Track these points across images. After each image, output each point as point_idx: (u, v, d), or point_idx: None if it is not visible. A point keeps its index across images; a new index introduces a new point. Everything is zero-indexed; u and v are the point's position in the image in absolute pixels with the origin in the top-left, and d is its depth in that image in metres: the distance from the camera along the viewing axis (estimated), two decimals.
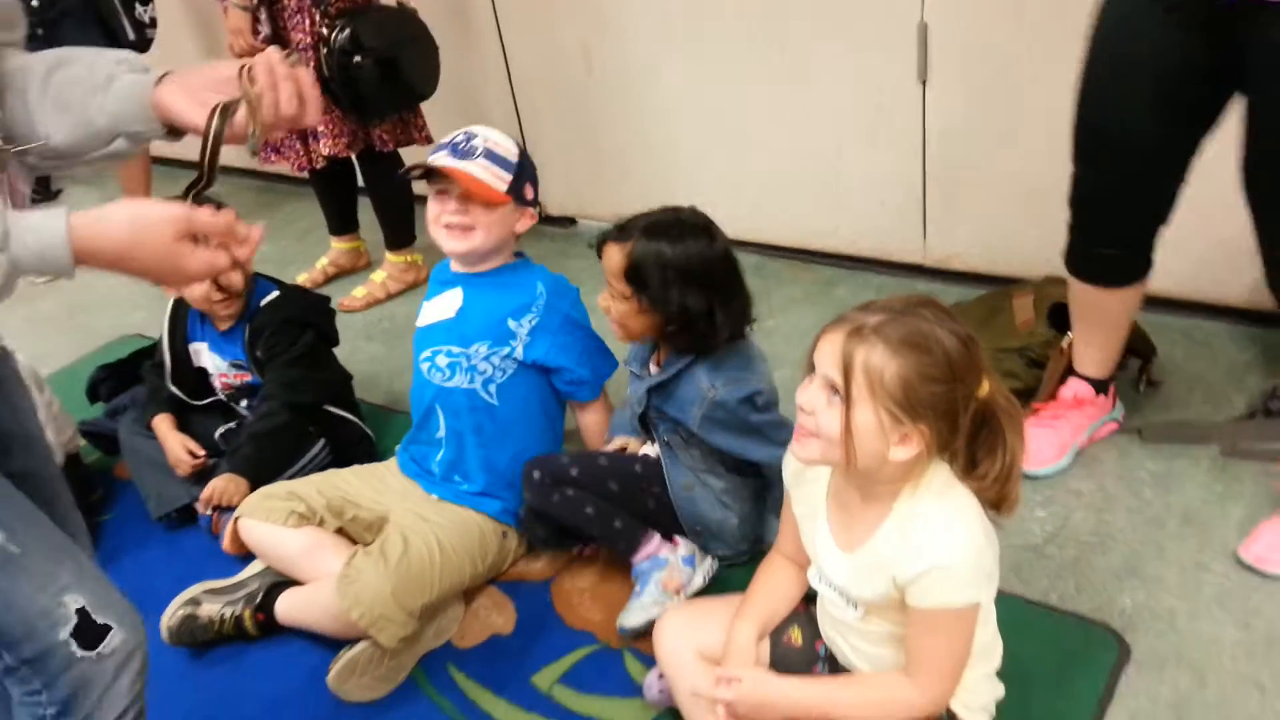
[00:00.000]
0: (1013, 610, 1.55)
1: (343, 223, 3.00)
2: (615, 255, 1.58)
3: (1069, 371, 1.94)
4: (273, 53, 1.05)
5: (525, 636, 1.71)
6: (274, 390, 2.01)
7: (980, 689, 1.36)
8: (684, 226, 1.56)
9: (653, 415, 1.70)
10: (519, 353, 1.75)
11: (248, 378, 2.10)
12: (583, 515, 1.66)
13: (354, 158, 2.71)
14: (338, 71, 2.41)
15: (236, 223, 0.98)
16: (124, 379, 2.29)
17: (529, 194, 1.76)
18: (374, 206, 2.86)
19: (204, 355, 2.13)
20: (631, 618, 1.64)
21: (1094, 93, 1.60)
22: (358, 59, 2.40)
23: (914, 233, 2.53)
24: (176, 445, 2.05)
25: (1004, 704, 1.38)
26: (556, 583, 1.80)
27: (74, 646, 0.99)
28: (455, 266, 1.81)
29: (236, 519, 1.78)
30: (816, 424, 1.21)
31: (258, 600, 1.74)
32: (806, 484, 1.38)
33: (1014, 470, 1.22)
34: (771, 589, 1.44)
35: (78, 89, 1.02)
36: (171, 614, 1.73)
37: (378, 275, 2.91)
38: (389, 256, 2.91)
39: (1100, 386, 1.92)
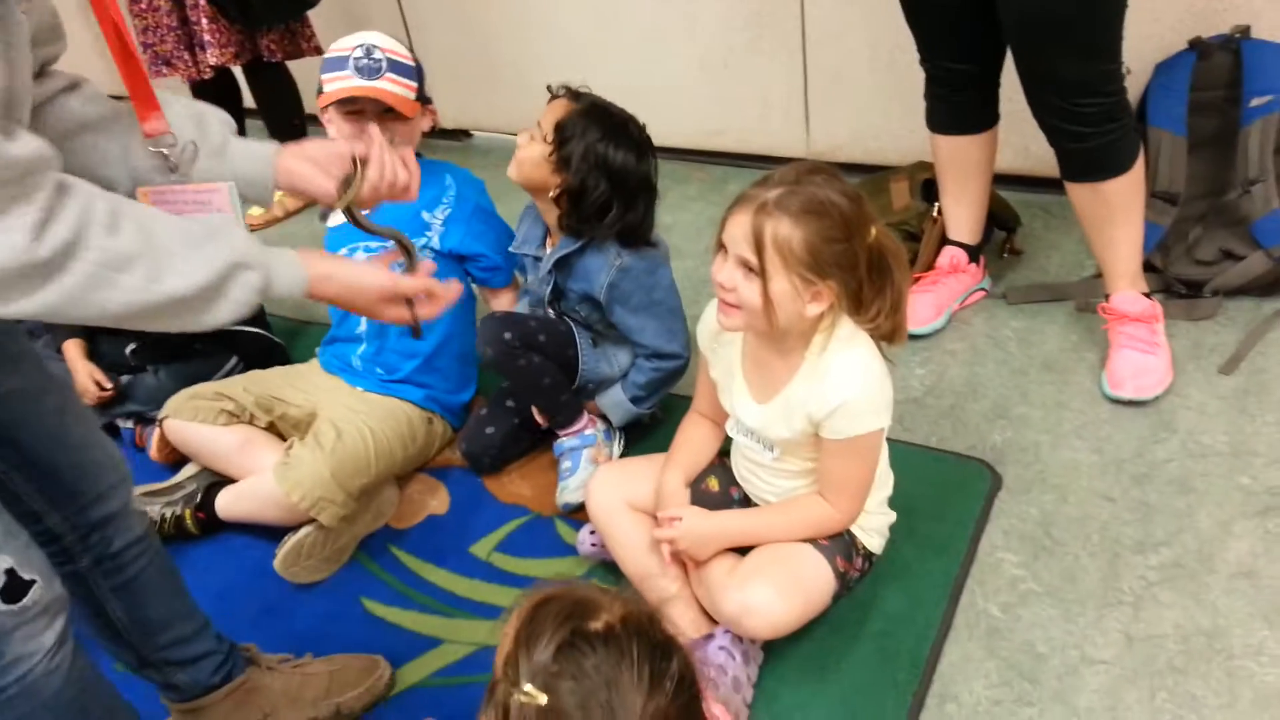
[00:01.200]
0: (898, 453, 1.72)
1: None
2: (560, 109, 1.68)
3: (944, 241, 2.13)
4: (376, 133, 1.22)
5: (460, 514, 1.83)
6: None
7: (876, 514, 1.54)
8: (626, 132, 1.66)
9: (560, 291, 1.78)
10: (435, 242, 1.82)
11: None
12: (540, 384, 1.75)
13: (241, 72, 2.69)
14: None
15: (433, 283, 1.18)
16: None
17: (426, 93, 1.83)
18: (265, 123, 2.84)
19: None
20: (573, 495, 1.76)
21: None
22: None
23: (798, 130, 2.67)
24: (84, 375, 2.05)
25: (894, 527, 1.57)
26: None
27: None
28: None
29: (162, 421, 1.83)
30: (738, 297, 1.34)
31: (197, 499, 1.80)
32: (721, 348, 1.52)
33: (902, 300, 1.38)
34: (694, 442, 1.59)
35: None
36: None
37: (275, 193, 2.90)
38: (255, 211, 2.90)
39: (972, 255, 2.12)
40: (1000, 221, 2.24)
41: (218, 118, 1.16)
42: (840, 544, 1.49)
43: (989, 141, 2.00)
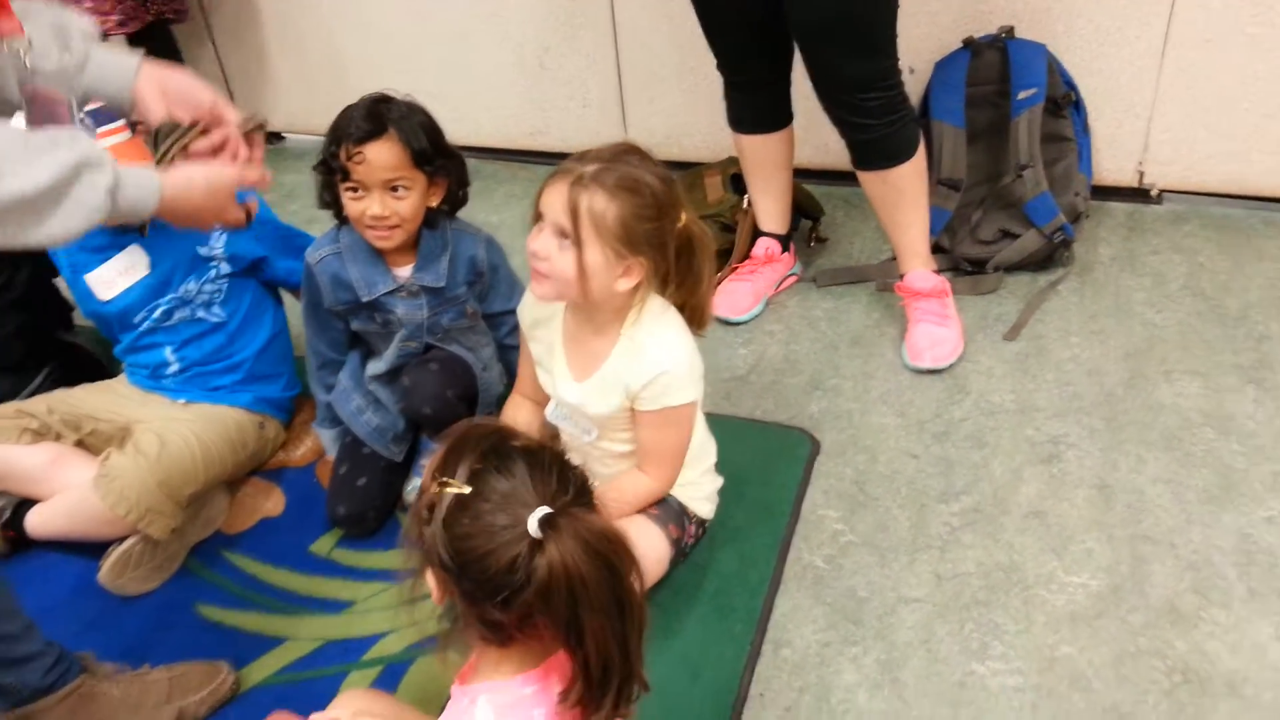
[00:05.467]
0: (726, 427, 1.83)
1: None
2: (393, 151, 1.57)
3: (757, 233, 2.25)
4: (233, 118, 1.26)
5: (296, 515, 1.80)
6: None
7: (703, 482, 1.63)
8: (411, 110, 1.64)
9: (435, 321, 1.74)
10: (225, 268, 1.79)
11: None
12: None
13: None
14: None
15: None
16: None
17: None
18: None
19: None
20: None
21: None
22: None
23: (616, 129, 2.76)
24: None
25: (724, 491, 1.66)
26: (321, 465, 1.89)
27: None
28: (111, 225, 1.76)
29: None
30: (551, 267, 1.39)
31: (5, 517, 1.70)
32: (542, 328, 1.57)
33: (706, 287, 1.47)
34: (517, 422, 1.61)
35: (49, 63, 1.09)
36: None
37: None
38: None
39: (783, 244, 2.25)
40: (805, 212, 2.39)
41: (79, 27, 1.14)
42: (671, 512, 1.56)
43: (786, 138, 2.13)
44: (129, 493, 1.59)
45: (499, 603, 0.93)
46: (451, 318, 1.74)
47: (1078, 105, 2.29)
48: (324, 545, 1.73)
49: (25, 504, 1.72)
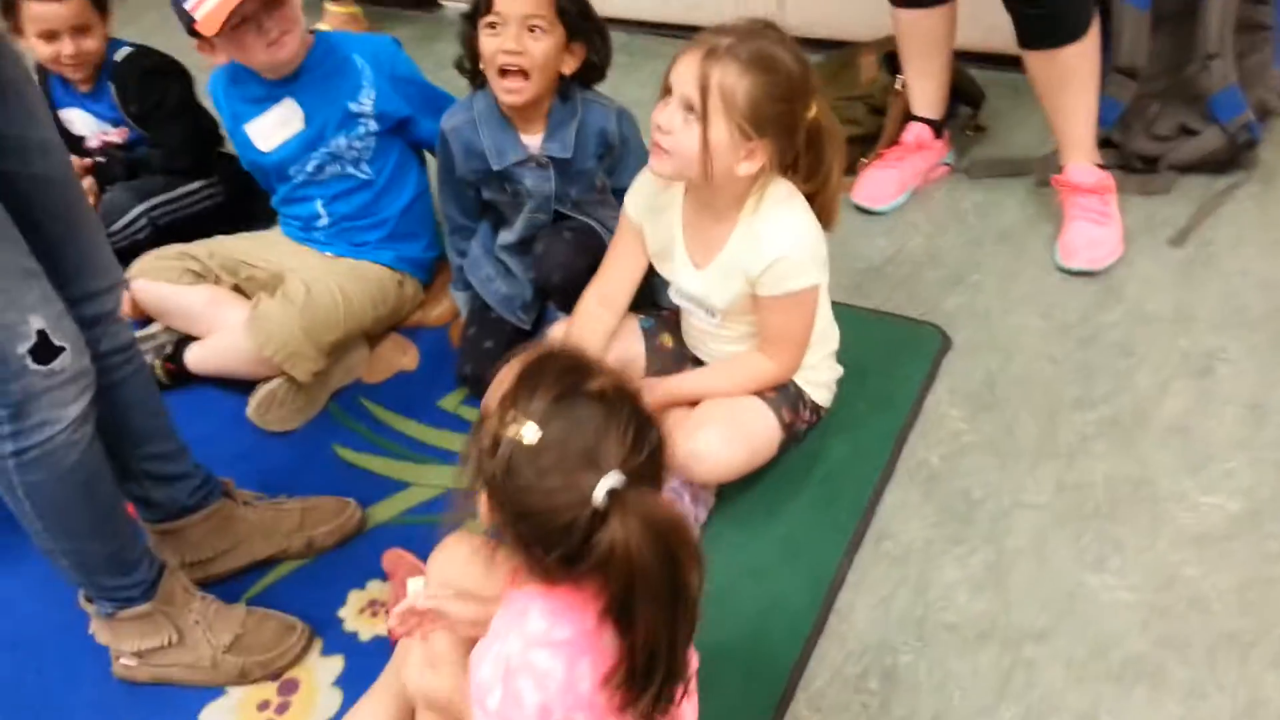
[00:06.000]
0: (853, 318, 1.78)
1: None
2: None
3: (909, 117, 2.15)
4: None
5: (429, 371, 1.88)
6: (156, 161, 2.06)
7: (822, 368, 1.60)
8: None
9: (564, 193, 1.73)
10: (373, 125, 1.82)
11: (128, 133, 2.11)
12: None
13: None
14: None
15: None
16: None
17: None
18: None
19: (77, 121, 2.12)
20: None
21: None
22: None
23: (772, 5, 2.65)
24: None
25: (843, 383, 1.64)
26: (455, 325, 1.95)
27: (29, 361, 1.09)
28: (268, 76, 1.79)
29: (129, 281, 1.84)
30: (675, 142, 1.36)
31: (167, 351, 1.84)
32: (659, 214, 1.54)
33: (834, 182, 1.42)
34: (595, 336, 1.57)
35: None
36: None
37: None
38: (331, 7, 2.88)
39: (936, 130, 2.14)
40: (966, 98, 2.26)
41: None
42: (786, 396, 1.55)
43: (948, 15, 2.00)
44: (276, 335, 1.69)
45: (552, 559, 0.89)
46: (580, 190, 1.75)
47: None
48: (451, 401, 1.80)
49: (186, 340, 1.85)
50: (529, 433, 0.87)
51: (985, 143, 2.26)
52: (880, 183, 2.11)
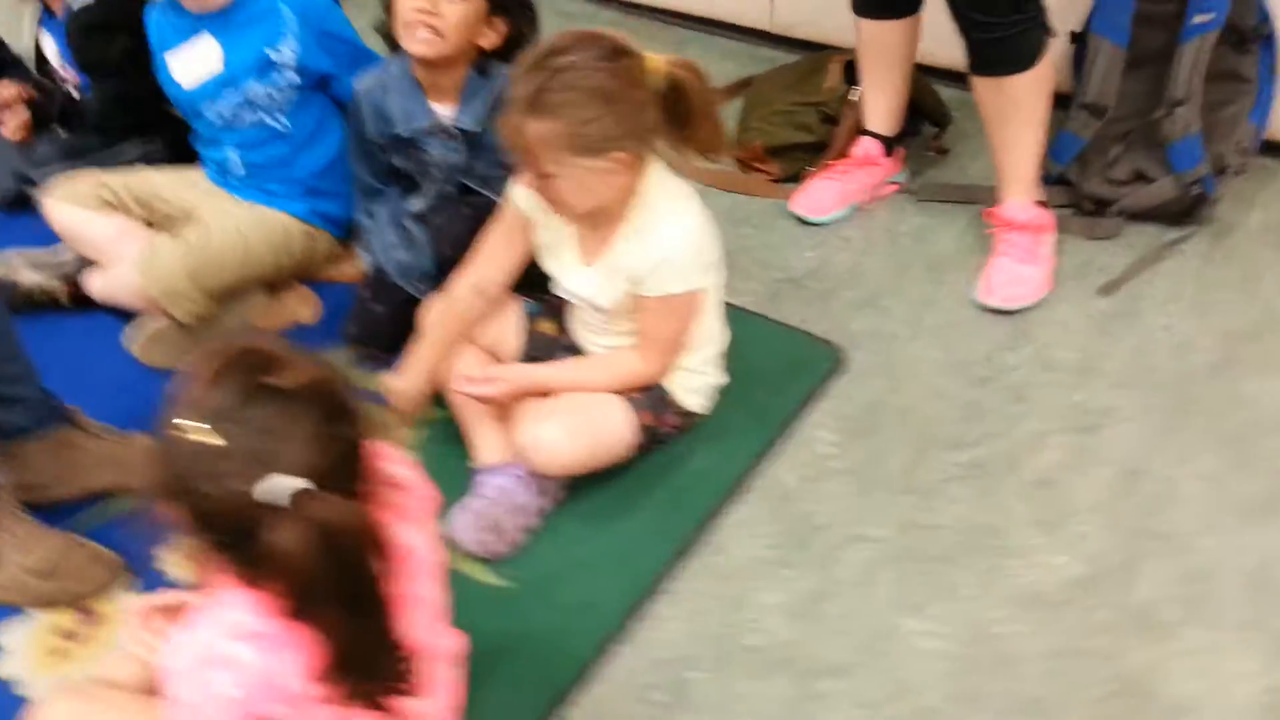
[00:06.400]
0: (755, 326, 1.76)
1: None
2: None
3: (862, 131, 2.09)
4: None
5: (326, 327, 1.86)
6: (91, 115, 2.05)
7: (699, 373, 1.57)
8: None
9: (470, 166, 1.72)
10: (294, 78, 1.79)
11: (79, 79, 2.11)
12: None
13: None
14: None
15: None
16: None
17: None
18: None
19: (48, 46, 2.13)
20: None
21: None
22: None
23: (764, 1, 2.61)
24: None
25: (726, 391, 1.60)
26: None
27: None
28: (190, 6, 1.77)
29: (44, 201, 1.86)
30: (558, 199, 1.36)
31: (70, 273, 1.85)
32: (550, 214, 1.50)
33: (709, 115, 1.37)
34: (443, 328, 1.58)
35: None
36: None
37: None
38: None
39: (887, 146, 2.08)
40: (931, 116, 2.19)
41: None
42: (651, 399, 1.52)
43: (910, 28, 1.93)
44: (161, 274, 1.70)
45: (233, 559, 0.88)
46: (486, 165, 1.72)
47: (1270, 42, 1.95)
48: (339, 359, 1.78)
49: (90, 265, 1.86)
50: (204, 433, 0.84)
51: (944, 165, 2.19)
52: (820, 194, 2.06)
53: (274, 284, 1.90)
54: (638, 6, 2.80)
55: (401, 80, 1.68)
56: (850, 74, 2.14)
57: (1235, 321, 1.74)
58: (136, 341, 1.75)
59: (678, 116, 1.35)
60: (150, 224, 1.88)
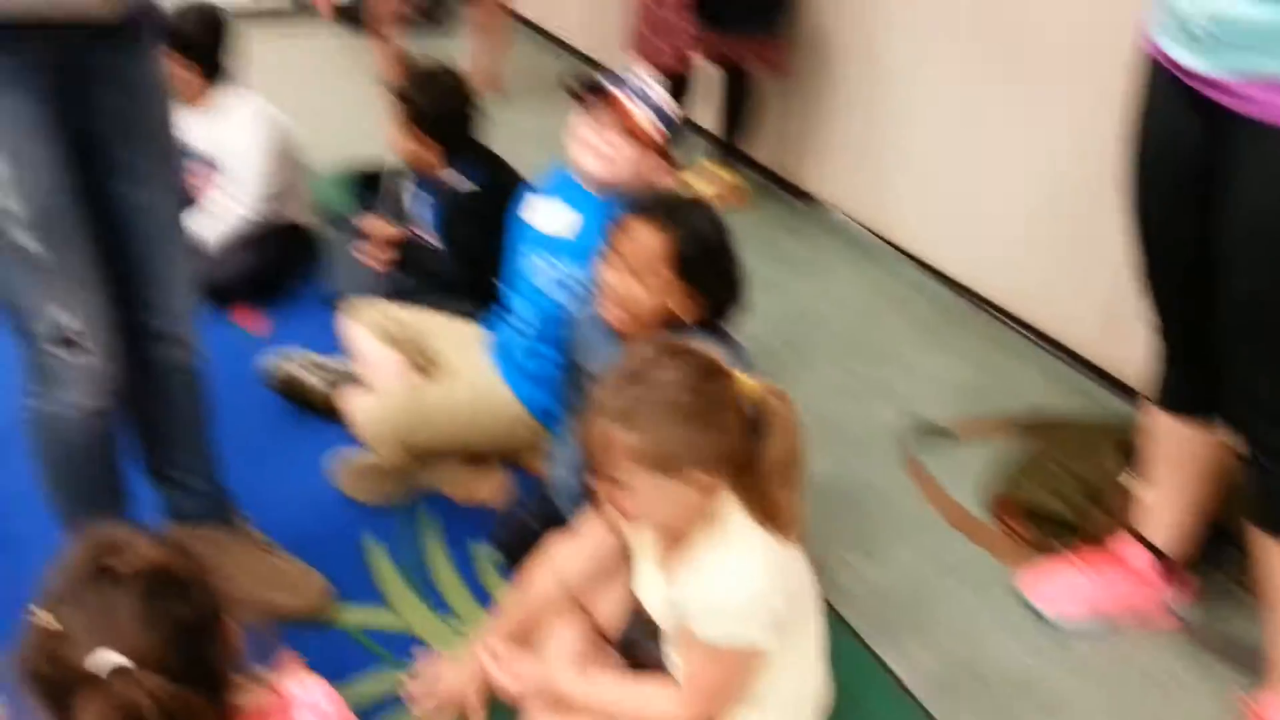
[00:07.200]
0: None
1: None
2: (651, 238, 1.51)
3: (1135, 534, 1.73)
4: None
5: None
6: (445, 274, 2.19)
7: None
8: (692, 205, 1.56)
9: None
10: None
11: (434, 240, 2.26)
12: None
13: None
14: None
15: None
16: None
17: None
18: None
19: (415, 203, 2.32)
20: None
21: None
22: None
23: (1094, 321, 2.37)
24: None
25: None
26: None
27: (43, 341, 1.32)
28: (580, 180, 1.83)
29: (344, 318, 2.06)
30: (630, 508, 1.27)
31: (338, 384, 2.05)
32: None
33: (780, 481, 1.23)
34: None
35: None
36: (277, 365, 2.09)
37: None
38: (710, 165, 3.07)
39: (1167, 567, 1.71)
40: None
41: None
42: None
43: (1219, 439, 1.60)
44: (371, 417, 1.82)
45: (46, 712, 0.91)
46: None
47: None
48: (486, 551, 1.80)
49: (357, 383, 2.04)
50: (43, 619, 0.90)
51: (1253, 609, 1.75)
52: (1062, 585, 1.75)
53: (477, 456, 1.94)
54: (964, 289, 2.65)
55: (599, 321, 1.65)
56: (1126, 452, 1.81)
57: None
58: (339, 466, 1.89)
59: (757, 447, 1.22)
60: (419, 366, 2.02)
